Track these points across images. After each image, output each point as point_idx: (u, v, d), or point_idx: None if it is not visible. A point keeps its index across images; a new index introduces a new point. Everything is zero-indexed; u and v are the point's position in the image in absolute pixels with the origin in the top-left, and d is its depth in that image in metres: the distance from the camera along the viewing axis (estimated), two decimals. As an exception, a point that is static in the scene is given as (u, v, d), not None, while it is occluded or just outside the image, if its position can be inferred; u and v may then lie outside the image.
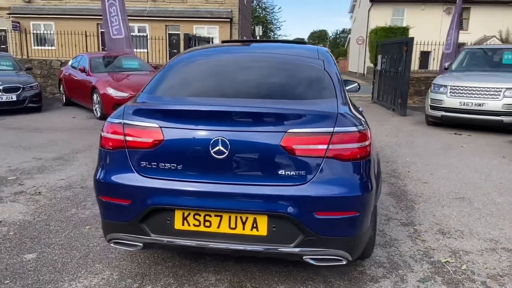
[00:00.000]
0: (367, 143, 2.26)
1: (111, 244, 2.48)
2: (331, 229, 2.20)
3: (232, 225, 2.22)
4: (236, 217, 2.22)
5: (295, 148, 2.16)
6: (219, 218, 2.23)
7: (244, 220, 2.21)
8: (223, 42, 3.83)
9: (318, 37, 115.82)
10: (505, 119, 7.63)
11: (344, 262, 2.29)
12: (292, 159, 2.17)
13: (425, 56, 23.45)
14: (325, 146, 2.16)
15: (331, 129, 2.18)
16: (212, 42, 11.46)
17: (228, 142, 2.17)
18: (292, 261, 2.87)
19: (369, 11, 28.97)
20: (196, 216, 2.25)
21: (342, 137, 2.19)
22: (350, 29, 45.62)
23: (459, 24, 12.99)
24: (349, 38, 44.01)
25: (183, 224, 2.26)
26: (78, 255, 2.97)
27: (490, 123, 7.90)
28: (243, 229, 2.22)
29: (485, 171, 5.41)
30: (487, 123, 7.91)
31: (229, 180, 2.21)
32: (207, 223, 2.24)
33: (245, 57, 2.95)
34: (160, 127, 2.26)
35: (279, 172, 2.18)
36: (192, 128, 2.23)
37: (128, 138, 2.30)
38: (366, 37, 28.19)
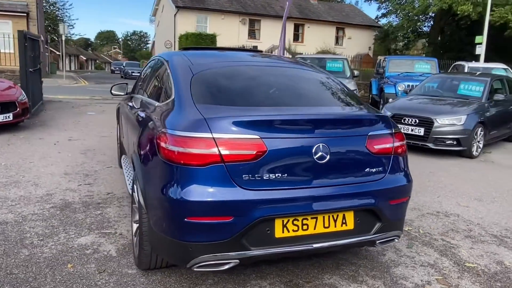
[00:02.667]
0: (405, 140, 2.78)
1: (194, 269, 2.27)
2: (396, 214, 2.63)
3: (326, 224, 2.39)
4: (329, 216, 2.39)
5: (376, 148, 2.50)
6: (315, 220, 2.36)
7: (335, 218, 2.41)
8: (184, 49, 3.70)
9: (107, 37, 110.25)
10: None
11: (397, 240, 2.76)
12: (374, 158, 2.49)
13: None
14: (391, 145, 2.57)
15: (391, 130, 2.61)
16: (42, 41, 9.93)
17: (328, 147, 2.33)
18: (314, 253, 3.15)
19: (175, 16, 29.66)
20: (295, 222, 2.32)
21: (396, 136, 2.64)
22: (141, 31, 45.12)
23: (284, 38, 15.00)
24: (154, 41, 43.83)
25: (283, 232, 2.29)
26: (98, 297, 2.52)
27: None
28: (335, 226, 2.42)
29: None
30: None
31: (326, 183, 2.37)
32: (305, 227, 2.34)
33: (269, 67, 3.05)
34: (261, 138, 2.22)
35: (365, 171, 2.47)
36: (294, 137, 2.29)
37: (225, 152, 2.17)
38: (175, 41, 28.78)
